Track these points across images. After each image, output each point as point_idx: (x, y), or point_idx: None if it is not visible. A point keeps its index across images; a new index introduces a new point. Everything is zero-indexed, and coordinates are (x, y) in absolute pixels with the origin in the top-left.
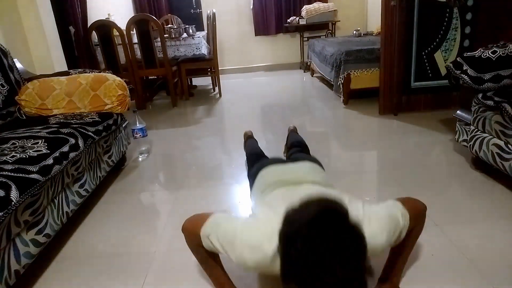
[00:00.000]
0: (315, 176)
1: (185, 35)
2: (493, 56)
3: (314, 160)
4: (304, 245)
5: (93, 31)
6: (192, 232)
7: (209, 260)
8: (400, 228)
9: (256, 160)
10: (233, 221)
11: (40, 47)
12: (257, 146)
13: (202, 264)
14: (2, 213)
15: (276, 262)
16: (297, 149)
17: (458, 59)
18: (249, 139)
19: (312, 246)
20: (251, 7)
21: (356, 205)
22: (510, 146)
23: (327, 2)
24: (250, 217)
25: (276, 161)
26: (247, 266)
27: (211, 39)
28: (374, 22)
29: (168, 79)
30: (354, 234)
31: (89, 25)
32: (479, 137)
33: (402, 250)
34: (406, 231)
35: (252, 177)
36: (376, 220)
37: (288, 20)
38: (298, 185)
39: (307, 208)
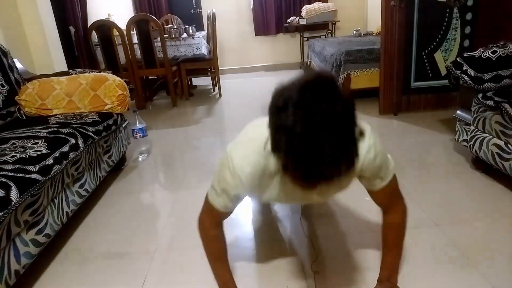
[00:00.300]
0: None
1: (185, 35)
2: (493, 56)
3: None
4: (294, 110)
5: (93, 31)
6: (205, 212)
7: (219, 253)
8: (387, 164)
9: None
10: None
11: (40, 47)
12: None
13: (210, 257)
14: (2, 213)
15: (270, 158)
16: None
17: (458, 59)
18: None
19: (302, 110)
20: (251, 7)
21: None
22: (510, 146)
23: (327, 2)
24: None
25: None
26: (245, 176)
27: (211, 39)
28: (374, 22)
29: (168, 79)
30: (345, 101)
31: (89, 25)
32: (479, 137)
33: (389, 247)
34: (383, 185)
35: None
36: (373, 137)
37: (288, 20)
38: None
39: (295, 79)
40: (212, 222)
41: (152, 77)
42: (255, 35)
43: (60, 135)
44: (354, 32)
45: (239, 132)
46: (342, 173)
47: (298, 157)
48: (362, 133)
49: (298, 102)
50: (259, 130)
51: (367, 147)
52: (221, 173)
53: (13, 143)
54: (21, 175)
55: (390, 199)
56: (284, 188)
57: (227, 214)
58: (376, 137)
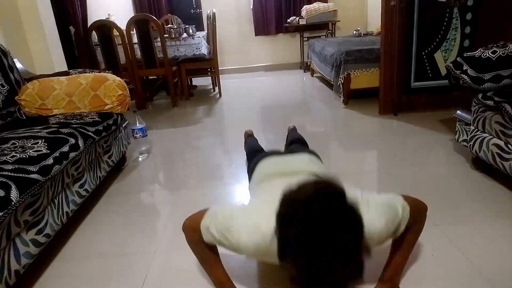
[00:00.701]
0: (313, 167)
1: (185, 35)
2: (493, 56)
3: (312, 152)
4: (301, 224)
5: (93, 31)
6: (192, 228)
7: (210, 259)
8: (399, 219)
9: (255, 155)
10: (231, 209)
11: (40, 47)
12: (257, 144)
13: (202, 263)
14: (2, 213)
15: (274, 245)
16: (296, 145)
17: (458, 59)
18: (249, 137)
19: (309, 225)
20: (251, 7)
21: (354, 190)
22: (510, 146)
23: (327, 2)
24: (246, 204)
25: (274, 153)
26: (246, 249)
27: (211, 39)
28: (374, 22)
29: (168, 79)
30: (351, 213)
31: (89, 25)
32: (479, 137)
33: (402, 248)
34: (406, 225)
35: (250, 170)
36: (375, 206)
37: (288, 20)
38: (296, 175)
39: (304, 188)
40: (196, 237)
41: (152, 77)
42: (255, 35)
43: (60, 135)
44: (354, 32)
45: (239, 132)
46: (349, 287)
47: (304, 275)
48: (369, 250)
49: (304, 217)
50: (271, 207)
51: (379, 231)
52: (224, 232)
53: (13, 143)
54: (21, 175)
55: (413, 221)
56: None
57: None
58: (371, 197)
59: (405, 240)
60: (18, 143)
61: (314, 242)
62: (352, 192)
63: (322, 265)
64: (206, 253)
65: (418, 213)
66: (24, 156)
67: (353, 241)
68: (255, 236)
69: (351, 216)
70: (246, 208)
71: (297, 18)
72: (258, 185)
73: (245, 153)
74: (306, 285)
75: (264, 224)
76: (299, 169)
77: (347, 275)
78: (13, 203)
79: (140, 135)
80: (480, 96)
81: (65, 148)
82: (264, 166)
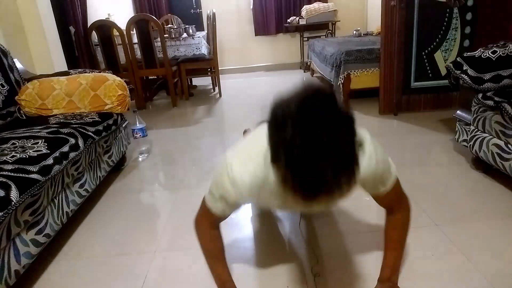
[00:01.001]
0: None
1: (185, 35)
2: (493, 56)
3: None
4: (293, 123)
5: (93, 31)
6: (201, 214)
7: (217, 253)
8: (389, 169)
9: None
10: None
11: (40, 47)
12: None
13: (208, 258)
14: (2, 213)
15: (269, 167)
16: None
17: (458, 59)
18: None
19: (302, 123)
20: (251, 7)
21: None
22: (510, 146)
23: (327, 2)
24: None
25: None
26: (243, 184)
27: (211, 39)
28: (374, 22)
29: (168, 79)
30: (343, 111)
31: (89, 25)
32: (479, 137)
33: (394, 247)
34: (390, 184)
35: None
36: (372, 145)
37: (288, 20)
38: None
39: (294, 92)
40: (208, 224)
41: (152, 77)
42: (255, 35)
43: (60, 135)
44: (354, 32)
45: (239, 132)
46: (343, 185)
47: (298, 171)
48: (361, 144)
49: (297, 116)
50: (259, 139)
51: (368, 156)
52: (220, 180)
53: (13, 143)
54: (21, 175)
55: (394, 201)
56: (284, 198)
57: (223, 218)
58: (376, 142)
59: (393, 238)
60: (18, 143)
61: (307, 139)
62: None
63: (315, 164)
64: (214, 249)
65: (399, 198)
66: (24, 156)
67: (347, 138)
68: (248, 166)
69: (343, 114)
70: (234, 150)
71: (297, 18)
72: None
73: None
74: (300, 186)
75: (255, 153)
76: None
77: (340, 172)
78: (13, 203)
79: (140, 135)
80: (480, 96)
81: (65, 148)
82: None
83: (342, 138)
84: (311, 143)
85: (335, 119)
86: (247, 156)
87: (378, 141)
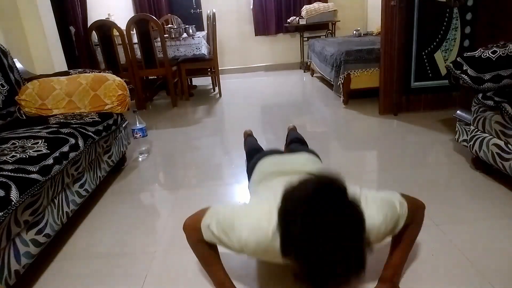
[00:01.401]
0: (313, 167)
1: (185, 35)
2: (493, 56)
3: (312, 152)
4: (303, 221)
5: (93, 31)
6: (193, 227)
7: (210, 258)
8: (397, 215)
9: (254, 155)
10: (232, 206)
11: (40, 47)
12: (257, 143)
13: (202, 262)
14: (2, 213)
15: (276, 241)
16: (296, 144)
17: (458, 59)
18: (248, 137)
19: (311, 221)
20: (251, 7)
21: (354, 188)
22: (510, 146)
23: (327, 2)
24: (247, 201)
25: (274, 152)
26: (247, 246)
27: (211, 39)
28: (374, 22)
29: (168, 79)
30: (353, 209)
31: (89, 25)
32: (479, 137)
33: (401, 248)
34: (404, 222)
35: (250, 169)
36: (373, 201)
37: (288, 20)
38: (295, 175)
39: (305, 184)
40: (196, 238)
41: (152, 77)
42: (255, 35)
43: (60, 135)
44: (354, 32)
45: (239, 132)
46: (351, 281)
47: (308, 271)
48: (369, 244)
49: (307, 214)
50: (272, 205)
51: (378, 226)
52: (226, 228)
53: (13, 143)
54: (21, 175)
55: (412, 218)
56: None
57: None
58: (369, 193)
59: (403, 239)
60: (18, 143)
61: (317, 238)
62: (351, 186)
63: (324, 261)
64: (207, 252)
65: (415, 210)
66: (24, 156)
67: (355, 236)
68: (257, 232)
69: (352, 212)
70: (247, 206)
71: (297, 18)
72: (258, 184)
73: (244, 153)
74: (309, 280)
75: (266, 221)
76: (298, 168)
77: (349, 269)
78: (13, 203)
79: (140, 135)
80: (480, 96)
81: (65, 148)
82: (264, 165)
83: (351, 238)
84: (319, 243)
85: (344, 219)
86: (257, 223)
87: (378, 141)
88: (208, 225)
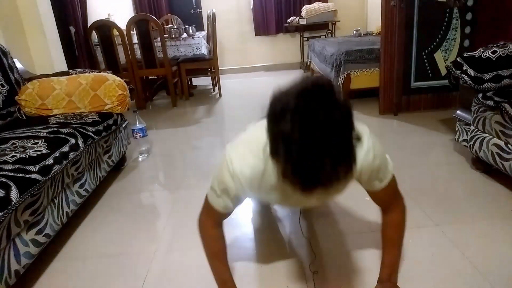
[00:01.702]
0: None
1: (185, 35)
2: (493, 56)
3: None
4: (293, 117)
5: (93, 31)
6: (204, 212)
7: (218, 254)
8: (386, 166)
9: None
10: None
11: (40, 47)
12: None
13: (210, 257)
14: (2, 213)
15: (269, 162)
16: None
17: (458, 59)
18: None
19: (301, 117)
20: (251, 7)
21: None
22: (510, 146)
23: (327, 2)
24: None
25: None
26: (244, 177)
27: (211, 39)
28: (374, 22)
29: (168, 79)
30: (343, 106)
31: (89, 25)
32: (479, 137)
33: (391, 246)
34: (386, 182)
35: None
36: (371, 140)
37: (288, 20)
38: None
39: (293, 85)
40: (212, 222)
41: (152, 77)
42: (255, 35)
43: (60, 135)
44: (354, 32)
45: (239, 132)
46: (340, 179)
47: (296, 164)
48: (359, 138)
49: (296, 109)
50: (259, 133)
51: (365, 150)
52: (220, 175)
53: (13, 143)
54: (21, 175)
55: (390, 199)
56: (284, 191)
57: (227, 214)
58: (375, 138)
59: (392, 238)
60: (18, 143)
61: (307, 133)
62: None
63: (315, 157)
64: (217, 248)
65: (398, 195)
66: (24, 156)
67: (344, 131)
68: (248, 159)
69: (341, 107)
70: (233, 144)
71: (297, 18)
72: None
73: None
74: (300, 178)
75: (254, 146)
76: None
77: (339, 163)
78: (13, 203)
79: (140, 135)
80: (480, 96)
81: (65, 148)
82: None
83: (340, 131)
84: (309, 137)
85: (333, 112)
86: (247, 150)
87: (378, 140)
88: (211, 188)
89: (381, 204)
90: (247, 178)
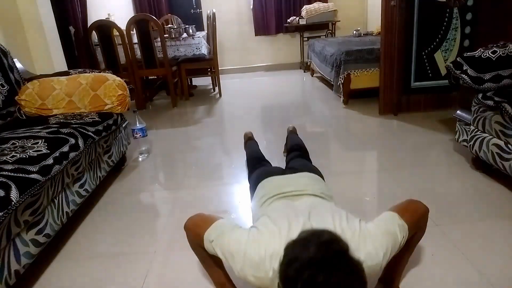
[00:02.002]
0: (315, 187)
1: (185, 35)
2: (493, 56)
3: (314, 170)
4: (303, 286)
5: (93, 31)
6: (194, 233)
7: (211, 259)
8: (398, 243)
9: (256, 165)
10: (238, 232)
11: (40, 47)
12: (258, 149)
13: (203, 263)
14: (2, 213)
15: (276, 281)
16: (296, 153)
17: (458, 59)
18: (249, 140)
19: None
20: (251, 7)
21: (353, 223)
22: (510, 146)
23: (327, 2)
24: (253, 230)
25: (276, 171)
26: (247, 280)
27: (211, 39)
28: (374, 22)
29: (168, 79)
30: (355, 273)
31: (89, 25)
32: (479, 137)
33: (404, 251)
34: (405, 241)
35: (252, 184)
36: (371, 241)
37: (288, 20)
38: (298, 197)
39: (307, 246)
40: (198, 241)
41: (152, 77)
42: (255, 35)
43: (60, 135)
44: (354, 32)
45: (239, 132)
46: None
47: None
48: (359, 265)
49: (308, 280)
50: (277, 245)
51: (378, 263)
52: (230, 255)
53: (13, 143)
54: (21, 175)
55: (416, 229)
56: None
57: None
58: (368, 230)
59: (406, 248)
60: (18, 143)
61: None
62: (351, 223)
63: None
64: (207, 254)
65: (419, 221)
66: (24, 156)
67: None
68: (259, 272)
69: (355, 277)
70: (252, 239)
71: (297, 18)
72: (261, 205)
73: (245, 152)
74: None
75: (268, 262)
76: (301, 190)
77: None
78: (13, 203)
79: (140, 135)
80: (480, 96)
81: (65, 148)
82: (266, 185)
83: None
84: None
85: (346, 283)
86: (261, 262)
87: (378, 141)
88: (211, 242)
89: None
90: (250, 282)
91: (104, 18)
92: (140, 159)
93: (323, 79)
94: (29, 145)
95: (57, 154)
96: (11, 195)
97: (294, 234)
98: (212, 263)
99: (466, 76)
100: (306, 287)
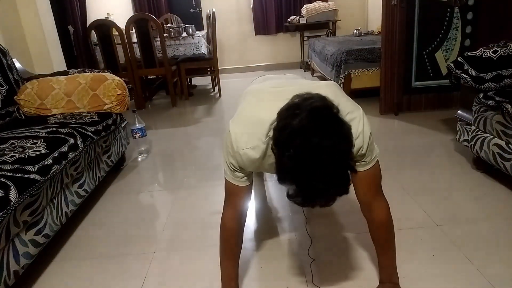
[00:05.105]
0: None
1: (184, 34)
2: (494, 55)
3: None
4: (296, 152)
5: (92, 31)
6: (226, 200)
7: (231, 252)
8: (372, 149)
9: None
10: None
11: (39, 47)
12: None
13: (223, 254)
14: (1, 213)
15: (270, 148)
16: None
17: (459, 58)
18: None
19: (305, 153)
20: (251, 6)
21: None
22: (511, 146)
23: (327, 1)
24: (247, 99)
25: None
26: (247, 157)
27: (211, 38)
28: (375, 21)
29: (168, 79)
30: (345, 135)
31: (88, 24)
32: (480, 137)
33: (384, 247)
34: (369, 158)
35: None
36: (361, 122)
37: (288, 19)
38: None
39: (299, 110)
40: (233, 211)
41: (151, 77)
42: (255, 35)
43: (59, 135)
44: (355, 31)
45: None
46: (336, 197)
47: (300, 193)
48: (354, 165)
49: (300, 145)
50: (262, 115)
51: (355, 135)
52: (226, 155)
53: (12, 143)
54: (20, 175)
55: (372, 190)
56: None
57: (246, 189)
58: (366, 120)
59: (382, 239)
60: (17, 143)
61: (310, 166)
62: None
63: (316, 184)
64: (231, 245)
65: (377, 189)
66: (23, 156)
67: (344, 162)
68: (251, 141)
69: (343, 140)
70: (240, 115)
71: (297, 17)
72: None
73: None
74: (301, 199)
75: (259, 130)
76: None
77: (336, 190)
78: (12, 203)
79: (139, 135)
80: (481, 96)
81: (64, 148)
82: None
83: (340, 160)
84: (312, 171)
85: (335, 148)
86: (250, 131)
87: (378, 141)
88: (225, 171)
89: (363, 198)
90: (250, 158)
91: (103, 18)
92: (139, 159)
93: (323, 79)
94: (28, 145)
95: (56, 154)
96: (10, 195)
97: (286, 96)
98: (233, 258)
99: (467, 76)
100: (299, 151)
